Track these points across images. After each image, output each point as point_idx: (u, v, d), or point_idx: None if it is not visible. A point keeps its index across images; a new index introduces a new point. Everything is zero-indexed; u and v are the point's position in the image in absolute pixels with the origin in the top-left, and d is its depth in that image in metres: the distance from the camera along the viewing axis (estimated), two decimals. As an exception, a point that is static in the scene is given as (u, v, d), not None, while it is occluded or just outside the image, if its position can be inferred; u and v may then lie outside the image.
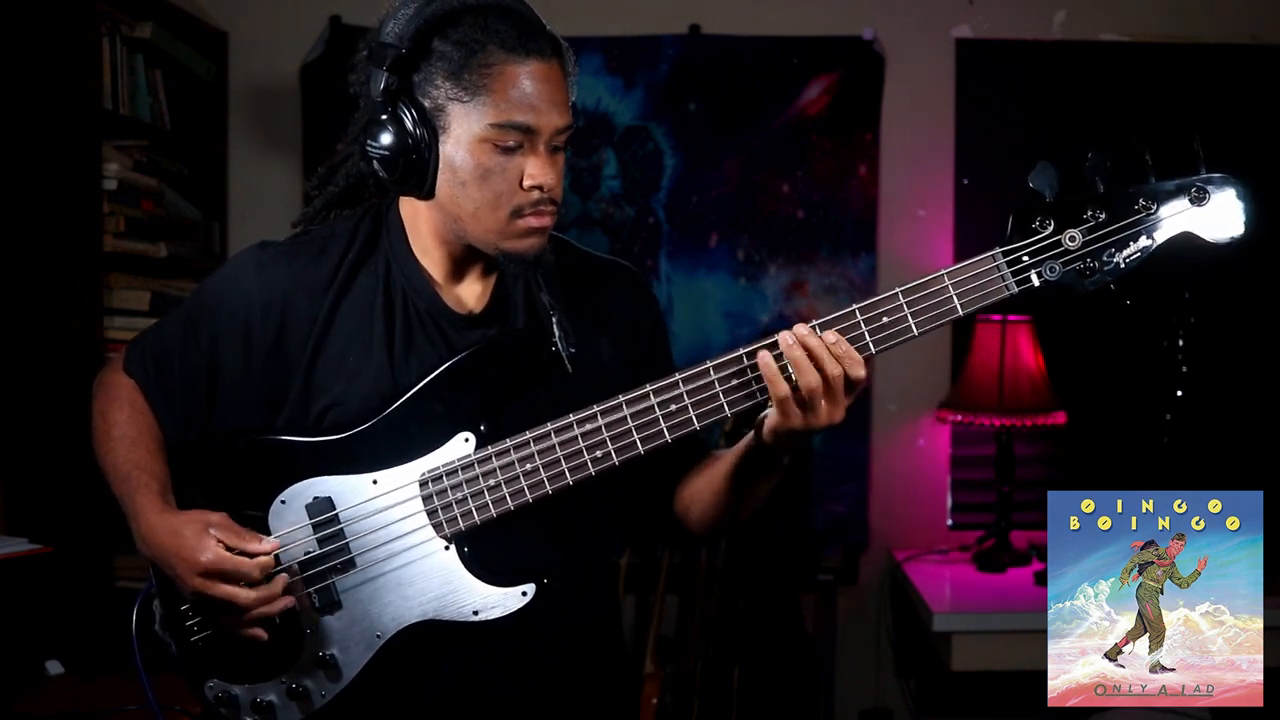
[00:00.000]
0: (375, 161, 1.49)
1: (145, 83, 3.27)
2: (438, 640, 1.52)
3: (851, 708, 3.80)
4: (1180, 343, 3.47)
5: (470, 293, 1.59)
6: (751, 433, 1.50)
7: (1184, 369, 3.49)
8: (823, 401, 1.40)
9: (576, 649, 1.61)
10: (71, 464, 2.85)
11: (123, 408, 1.63)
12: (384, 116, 1.47)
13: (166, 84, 3.39)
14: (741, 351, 1.43)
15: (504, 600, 1.50)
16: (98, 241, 3.00)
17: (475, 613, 1.50)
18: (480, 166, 1.47)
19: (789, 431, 1.44)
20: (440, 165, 1.48)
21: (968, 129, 3.73)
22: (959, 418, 3.53)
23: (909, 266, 3.73)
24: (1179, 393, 3.50)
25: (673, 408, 1.44)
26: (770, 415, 1.44)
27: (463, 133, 1.47)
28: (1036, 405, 3.45)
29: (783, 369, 1.41)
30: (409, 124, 1.47)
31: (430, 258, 1.57)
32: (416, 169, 1.48)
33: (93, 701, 2.45)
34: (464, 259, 1.57)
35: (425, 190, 1.50)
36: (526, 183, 1.47)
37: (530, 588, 1.50)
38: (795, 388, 1.40)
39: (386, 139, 1.47)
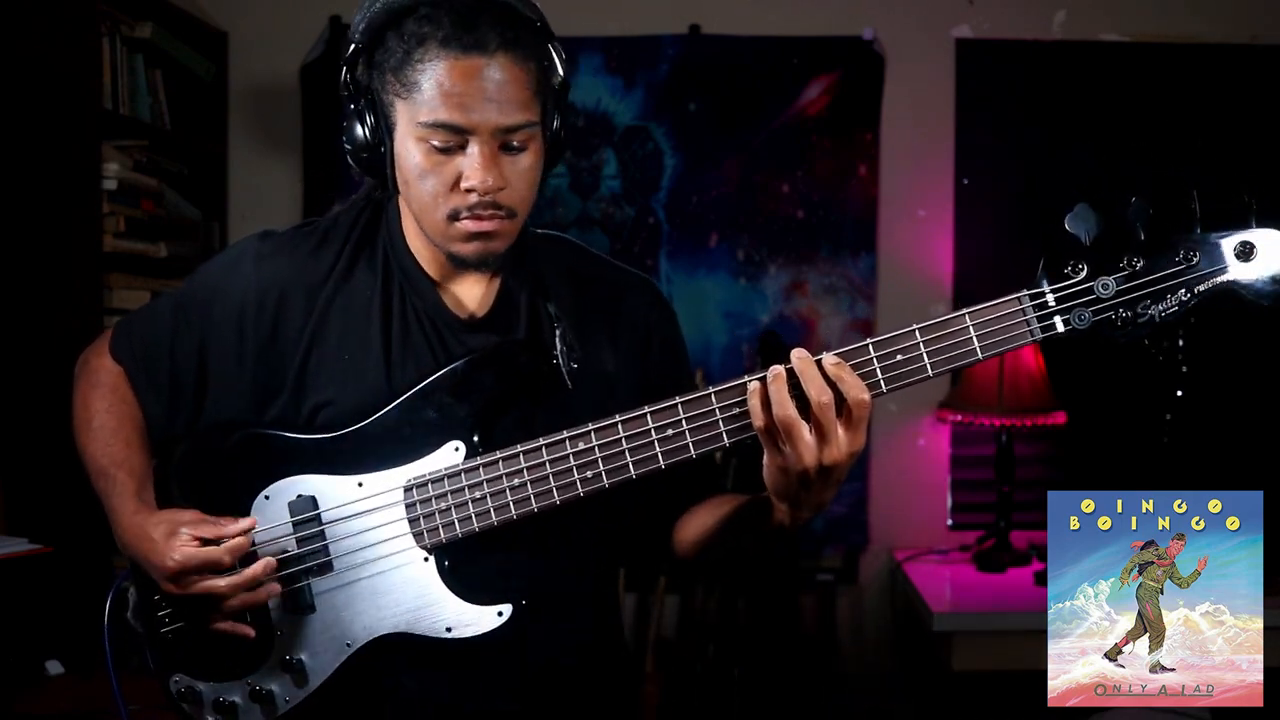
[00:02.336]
0: (348, 156, 1.49)
1: (145, 83, 3.28)
2: (410, 654, 1.47)
3: (851, 708, 3.80)
4: (1180, 343, 3.47)
5: (471, 295, 1.55)
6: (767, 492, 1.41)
7: (1184, 369, 3.49)
8: (805, 435, 1.29)
9: (561, 673, 1.55)
10: (72, 464, 2.84)
11: (104, 395, 1.60)
12: (350, 110, 1.47)
13: (166, 84, 3.39)
14: (745, 379, 1.34)
15: (479, 619, 1.44)
16: (98, 241, 3.01)
17: (449, 629, 1.45)
18: (418, 166, 1.42)
19: (779, 470, 1.33)
20: (395, 162, 1.46)
21: (968, 129, 3.73)
22: (959, 418, 3.53)
23: (909, 266, 3.73)
24: (1179, 393, 3.50)
25: (669, 432, 1.37)
26: (764, 457, 1.34)
27: (404, 130, 1.43)
28: (1036, 405, 3.45)
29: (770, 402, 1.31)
30: (365, 119, 1.45)
31: (424, 256, 1.54)
32: (376, 164, 1.47)
33: (93, 701, 2.45)
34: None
35: (389, 187, 1.49)
36: (462, 184, 1.41)
37: (507, 608, 1.44)
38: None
39: (349, 134, 1.47)
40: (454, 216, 1.43)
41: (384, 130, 1.45)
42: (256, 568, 1.45)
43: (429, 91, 1.39)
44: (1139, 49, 3.71)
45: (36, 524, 2.61)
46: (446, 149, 1.41)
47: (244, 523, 1.47)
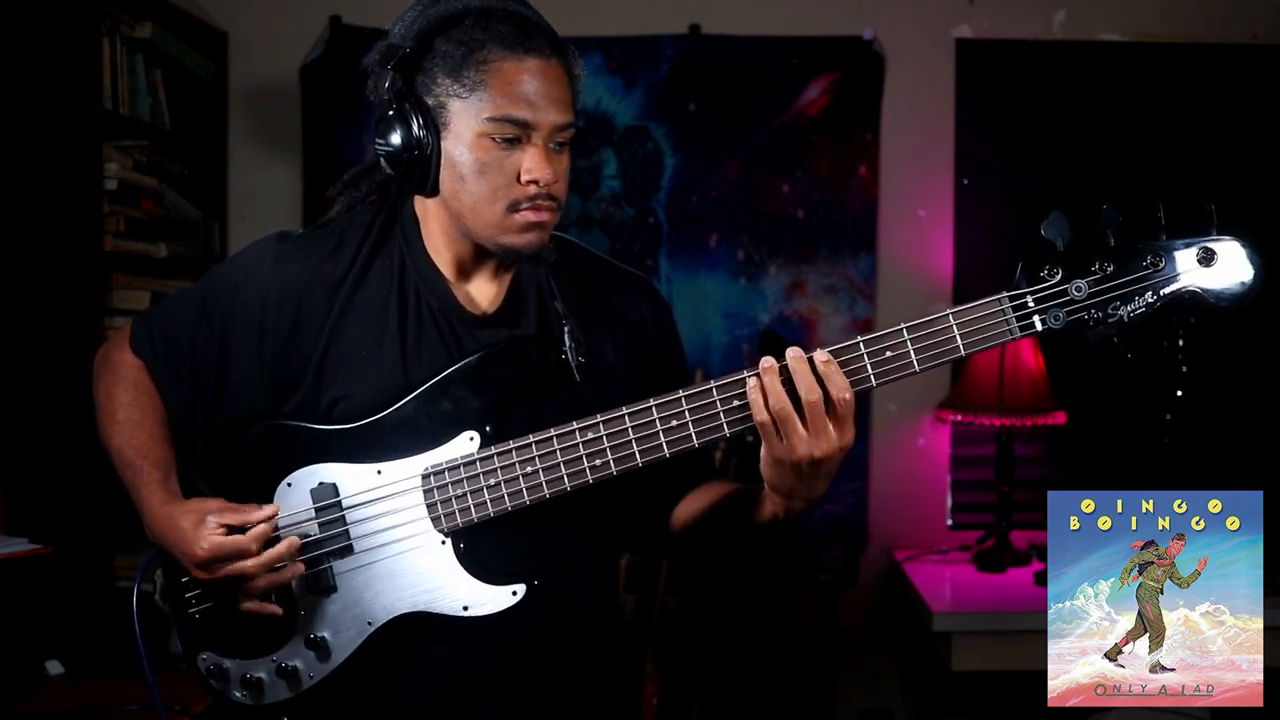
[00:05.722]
0: (382, 159, 1.54)
1: (145, 83, 3.27)
2: (428, 632, 1.54)
3: (851, 708, 3.80)
4: (1180, 343, 3.47)
5: (483, 292, 1.62)
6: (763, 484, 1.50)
7: (1184, 369, 3.49)
8: (799, 428, 1.39)
9: (570, 650, 1.62)
10: (71, 463, 2.85)
11: (127, 388, 1.65)
12: (389, 114, 1.51)
13: (166, 84, 3.38)
14: (745, 374, 1.44)
15: (494, 598, 1.52)
16: (98, 241, 3.00)
17: (465, 608, 1.52)
18: (478, 161, 1.50)
19: (775, 462, 1.43)
20: (442, 161, 1.52)
21: (968, 129, 3.73)
22: (959, 418, 3.53)
23: (909, 266, 3.73)
24: (1179, 393, 3.50)
25: (674, 423, 1.46)
26: (761, 449, 1.44)
27: (462, 128, 1.50)
28: (1036, 405, 3.45)
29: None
30: (412, 121, 1.50)
31: (441, 256, 1.60)
32: (419, 165, 1.52)
33: (93, 701, 2.46)
34: (473, 258, 1.60)
35: (429, 187, 1.54)
36: (524, 177, 1.50)
37: (520, 588, 1.52)
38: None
39: (391, 137, 1.51)
40: (514, 208, 1.51)
41: (432, 131, 1.51)
42: (280, 548, 1.52)
43: (496, 88, 1.48)
44: (1139, 49, 3.71)
45: (36, 524, 2.61)
46: (507, 144, 1.49)
47: (267, 510, 1.54)
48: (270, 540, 1.53)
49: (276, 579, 1.53)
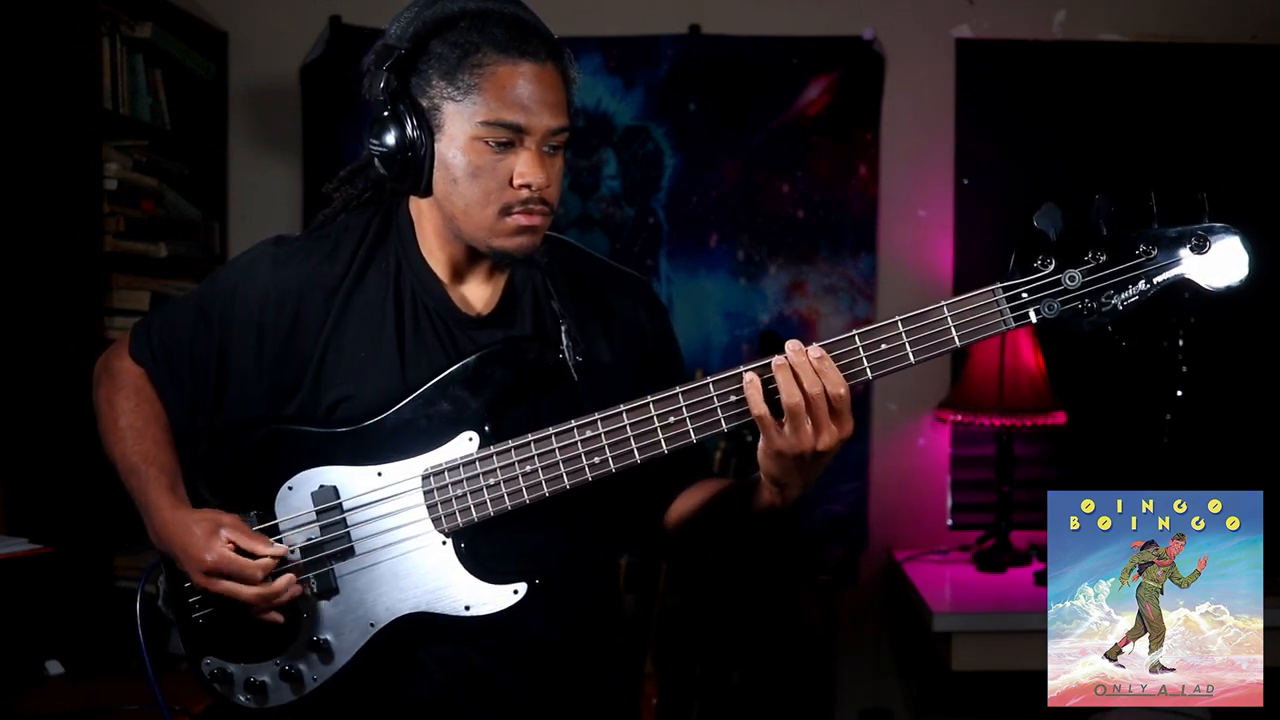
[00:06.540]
0: (376, 159, 1.54)
1: (145, 83, 3.27)
2: (430, 632, 1.55)
3: (851, 708, 3.80)
4: (1180, 343, 3.47)
5: (478, 294, 1.62)
6: (759, 474, 1.50)
7: (1184, 369, 3.49)
8: (805, 423, 1.40)
9: (571, 648, 1.63)
10: (71, 464, 2.85)
11: (129, 396, 1.66)
12: (384, 115, 1.52)
13: (166, 84, 3.38)
14: (741, 369, 1.44)
15: (496, 598, 1.52)
16: (98, 241, 3.01)
17: (467, 608, 1.53)
18: (471, 164, 1.50)
19: (775, 454, 1.44)
20: (435, 163, 1.52)
21: (968, 129, 3.73)
22: (959, 418, 3.53)
23: (909, 266, 3.73)
24: (1179, 393, 3.50)
25: (671, 420, 1.46)
26: (760, 442, 1.45)
27: (456, 131, 1.50)
28: (1036, 405, 3.45)
29: (770, 392, 1.42)
30: (406, 122, 1.51)
31: (436, 257, 1.61)
32: (412, 166, 1.52)
33: (93, 701, 2.46)
34: (467, 259, 1.60)
35: (422, 188, 1.55)
36: (516, 181, 1.50)
37: (522, 587, 1.52)
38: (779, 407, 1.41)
39: (385, 137, 1.52)
40: (506, 211, 1.51)
41: (426, 133, 1.51)
42: (279, 584, 1.53)
43: (490, 92, 1.48)
44: (1139, 49, 3.71)
45: (36, 524, 2.61)
46: (501, 148, 1.49)
47: (277, 549, 1.54)
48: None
49: (265, 608, 1.54)
